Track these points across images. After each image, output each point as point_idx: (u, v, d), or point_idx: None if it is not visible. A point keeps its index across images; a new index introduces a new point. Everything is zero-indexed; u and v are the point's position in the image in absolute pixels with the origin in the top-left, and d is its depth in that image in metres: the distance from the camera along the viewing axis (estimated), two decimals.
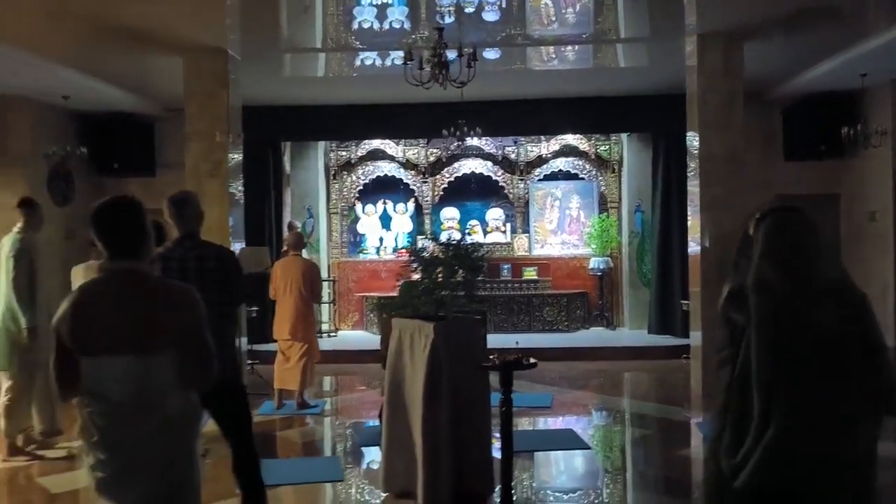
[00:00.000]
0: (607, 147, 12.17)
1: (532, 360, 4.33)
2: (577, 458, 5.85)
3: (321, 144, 12.21)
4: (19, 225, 5.76)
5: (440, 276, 5.21)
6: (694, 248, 7.68)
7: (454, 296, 5.05)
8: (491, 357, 4.43)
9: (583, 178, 12.37)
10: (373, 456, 5.70)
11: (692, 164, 7.86)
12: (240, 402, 3.90)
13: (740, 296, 2.46)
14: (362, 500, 5.00)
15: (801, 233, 2.48)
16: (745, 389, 2.39)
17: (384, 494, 4.81)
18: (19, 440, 5.80)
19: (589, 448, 5.97)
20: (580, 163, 12.29)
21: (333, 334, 11.56)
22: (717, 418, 2.55)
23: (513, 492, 4.38)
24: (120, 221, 2.67)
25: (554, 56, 10.24)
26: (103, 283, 2.70)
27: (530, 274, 11.92)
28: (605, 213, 12.14)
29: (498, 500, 4.36)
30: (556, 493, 5.17)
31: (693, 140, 7.85)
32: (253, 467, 3.86)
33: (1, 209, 9.23)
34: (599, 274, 11.76)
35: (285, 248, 7.96)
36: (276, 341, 7.66)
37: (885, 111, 9.27)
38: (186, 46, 7.85)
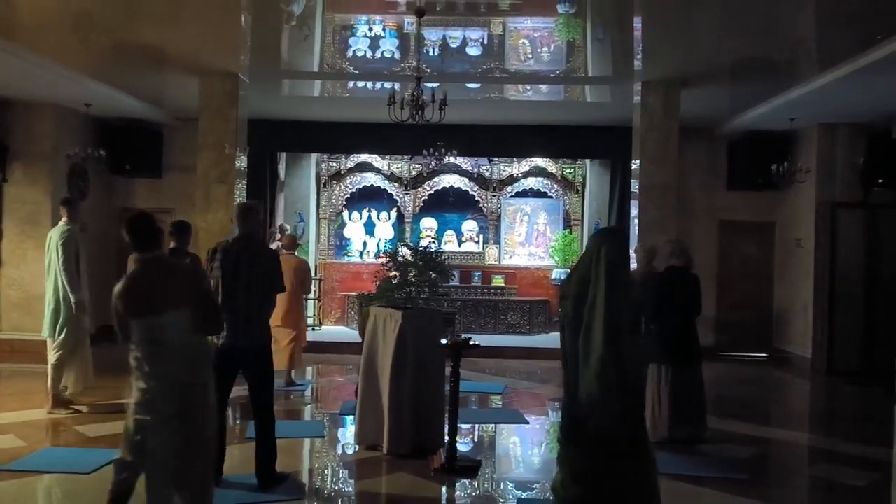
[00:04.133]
0: (572, 170, 13.43)
1: (475, 342, 5.52)
2: (516, 429, 7.05)
3: (314, 155, 13.36)
4: (64, 219, 6.90)
5: (411, 275, 6.39)
6: (634, 264, 8.91)
7: (420, 291, 6.23)
8: (445, 340, 5.63)
9: (550, 197, 13.61)
10: (348, 423, 6.86)
11: (634, 190, 9.11)
12: (267, 362, 5.08)
13: None
14: (340, 451, 6.19)
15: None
16: None
17: (357, 447, 5.99)
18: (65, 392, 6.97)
19: (527, 423, 7.19)
20: (548, 183, 13.54)
21: (318, 328, 12.70)
22: None
23: (457, 448, 5.57)
24: (143, 227, 3.86)
25: (528, 88, 11.48)
26: (138, 270, 3.85)
27: (498, 281, 13.14)
28: (569, 230, 13.39)
29: (445, 452, 5.52)
30: (491, 451, 6.39)
31: (636, 169, 9.11)
32: (269, 415, 5.02)
33: (25, 202, 10.42)
34: (561, 284, 12.98)
35: (280, 247, 9.09)
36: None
37: (810, 151, 10.58)
38: (202, 69, 9.01)
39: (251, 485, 4.91)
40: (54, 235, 6.87)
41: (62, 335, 6.81)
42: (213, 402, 3.93)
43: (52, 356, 6.85)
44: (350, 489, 5.33)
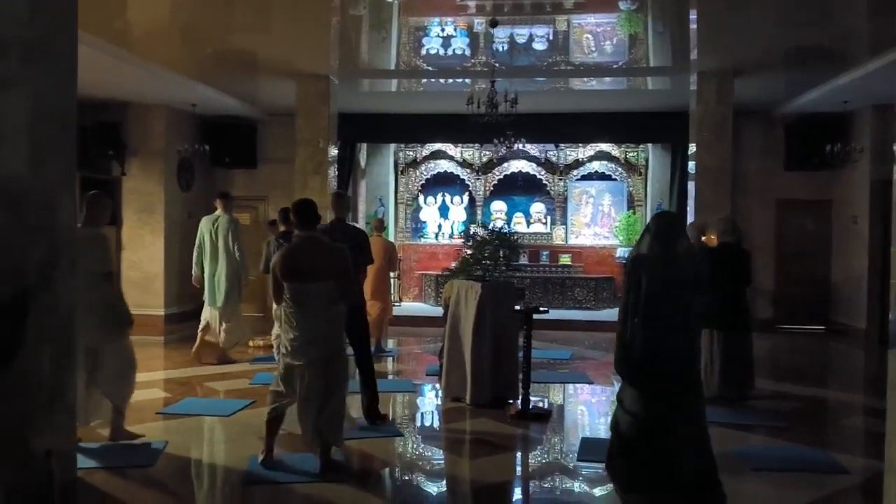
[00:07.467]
0: (635, 153, 14.10)
1: (545, 308, 6.44)
2: (581, 388, 7.97)
3: (392, 145, 14.40)
4: (219, 210, 8.36)
5: (487, 252, 7.33)
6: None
7: (497, 266, 7.17)
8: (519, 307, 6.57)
9: (614, 179, 14.33)
10: (433, 381, 7.87)
11: (692, 171, 9.82)
12: (362, 320, 6.15)
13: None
14: (429, 402, 7.23)
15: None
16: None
17: (444, 398, 7.00)
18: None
19: (592, 383, 8.08)
20: (612, 166, 14.25)
21: (397, 304, 13.78)
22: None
23: (530, 399, 6.52)
24: (305, 209, 4.89)
25: (592, 78, 12.21)
26: (298, 243, 4.91)
27: (565, 260, 13.97)
28: (632, 210, 14.10)
29: (520, 403, 6.47)
30: (559, 404, 7.32)
31: (692, 153, 9.81)
32: (369, 363, 6.14)
33: (141, 194, 11.75)
34: (624, 262, 13.71)
35: (372, 230, 10.13)
36: None
37: (864, 132, 11.03)
38: (297, 72, 10.09)
39: (360, 424, 5.97)
40: (223, 224, 8.46)
41: (235, 303, 8.52)
42: (345, 352, 4.96)
43: (223, 320, 8.51)
44: (440, 430, 6.34)
